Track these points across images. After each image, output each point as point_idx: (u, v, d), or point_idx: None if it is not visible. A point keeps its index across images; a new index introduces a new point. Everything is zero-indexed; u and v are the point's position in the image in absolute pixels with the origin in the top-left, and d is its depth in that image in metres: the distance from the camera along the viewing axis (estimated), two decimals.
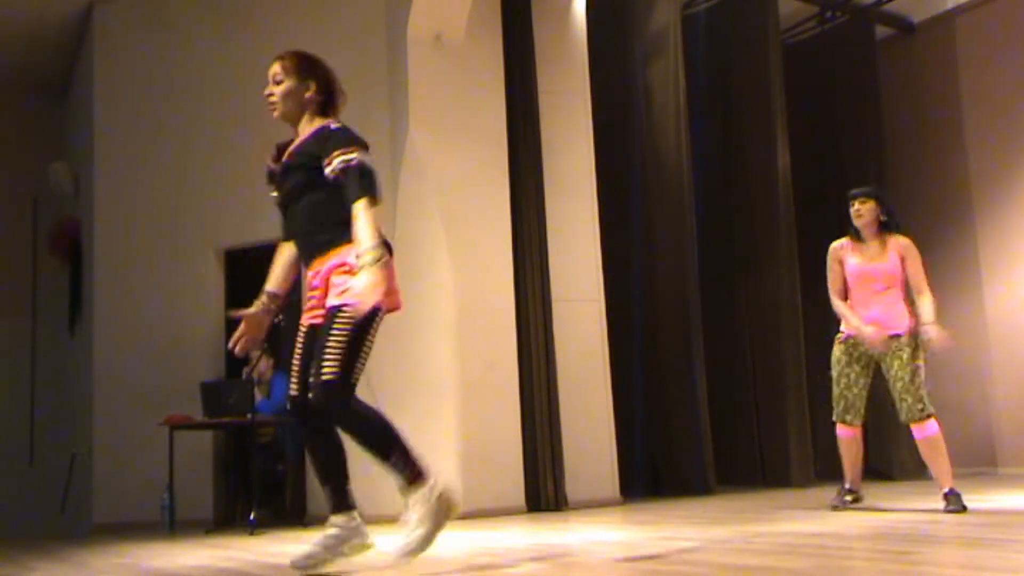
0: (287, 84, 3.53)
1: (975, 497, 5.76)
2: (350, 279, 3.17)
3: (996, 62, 8.60)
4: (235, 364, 7.31)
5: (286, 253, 3.67)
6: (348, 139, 3.37)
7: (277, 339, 7.04)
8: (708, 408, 7.54)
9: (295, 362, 3.41)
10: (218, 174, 7.46)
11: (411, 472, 3.18)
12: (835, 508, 5.28)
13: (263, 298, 3.64)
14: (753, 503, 6.25)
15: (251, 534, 5.77)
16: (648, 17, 8.02)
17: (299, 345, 3.43)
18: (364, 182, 3.28)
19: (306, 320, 3.44)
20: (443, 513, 3.19)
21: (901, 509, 5.22)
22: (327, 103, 3.57)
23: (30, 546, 6.06)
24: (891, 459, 8.23)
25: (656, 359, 7.69)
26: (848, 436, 5.26)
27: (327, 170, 3.35)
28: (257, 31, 7.48)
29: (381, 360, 6.37)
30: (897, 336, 5.05)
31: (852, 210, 5.28)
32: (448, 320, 6.24)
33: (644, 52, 8.03)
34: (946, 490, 4.90)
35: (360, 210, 3.22)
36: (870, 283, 5.16)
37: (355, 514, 3.42)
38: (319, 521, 6.40)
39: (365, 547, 3.43)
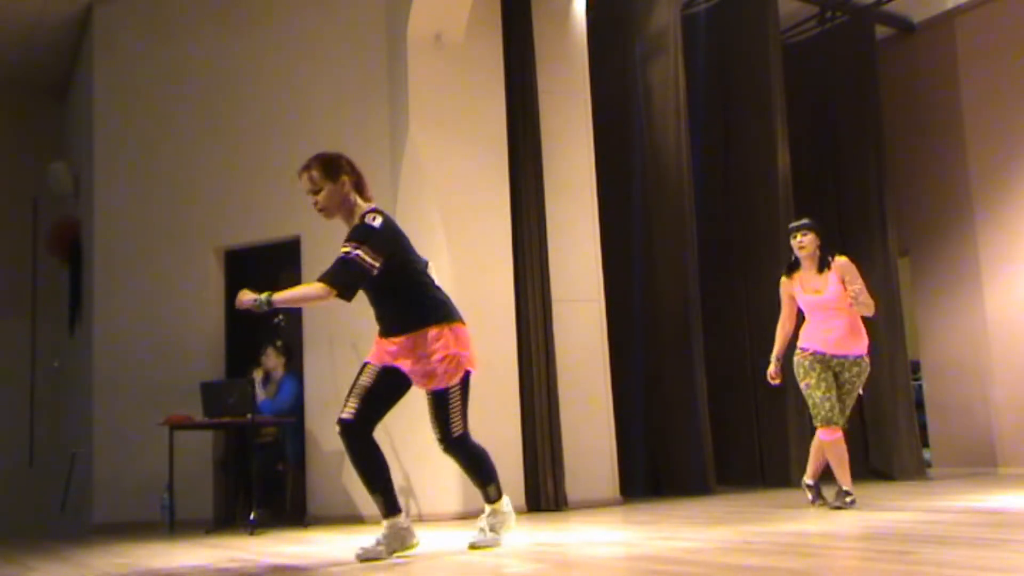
0: (326, 189, 3.97)
1: (975, 497, 5.76)
2: (442, 364, 3.89)
3: (996, 62, 8.60)
4: (235, 364, 7.32)
5: None
6: (359, 234, 3.87)
7: (287, 339, 7.06)
8: (708, 408, 7.54)
9: (359, 391, 3.90)
10: (218, 174, 7.46)
11: (497, 494, 4.12)
12: (836, 508, 5.32)
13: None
14: (753, 503, 6.25)
15: (251, 534, 5.77)
16: (648, 17, 8.02)
17: (366, 378, 3.93)
18: (337, 271, 3.81)
19: (376, 362, 3.96)
20: (507, 523, 4.15)
21: (900, 509, 5.22)
22: (359, 182, 4.05)
23: (30, 546, 6.06)
24: (891, 459, 8.23)
25: (656, 360, 7.69)
26: (836, 438, 5.37)
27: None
28: (257, 31, 7.48)
29: None
30: (859, 358, 5.44)
31: (795, 242, 5.60)
32: None
33: (644, 52, 8.03)
34: (846, 488, 5.30)
35: (311, 285, 3.85)
36: (825, 311, 5.44)
37: (403, 516, 3.98)
38: (319, 521, 6.42)
39: (414, 545, 4.00)
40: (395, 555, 3.91)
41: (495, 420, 6.29)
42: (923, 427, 8.93)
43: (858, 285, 5.33)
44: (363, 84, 6.97)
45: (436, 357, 3.87)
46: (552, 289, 6.77)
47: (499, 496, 4.13)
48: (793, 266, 5.58)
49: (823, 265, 5.47)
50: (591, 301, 7.01)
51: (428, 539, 4.38)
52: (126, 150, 7.82)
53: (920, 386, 9.37)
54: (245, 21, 7.57)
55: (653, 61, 7.95)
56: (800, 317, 5.62)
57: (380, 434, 3.96)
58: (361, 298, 4.02)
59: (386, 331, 3.98)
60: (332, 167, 3.98)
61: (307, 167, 3.99)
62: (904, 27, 9.22)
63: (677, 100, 7.77)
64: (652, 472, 7.65)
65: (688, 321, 7.59)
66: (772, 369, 5.66)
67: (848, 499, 5.33)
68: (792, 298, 5.59)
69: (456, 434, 3.94)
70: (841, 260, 5.47)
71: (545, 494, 6.41)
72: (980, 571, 2.89)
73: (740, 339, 8.16)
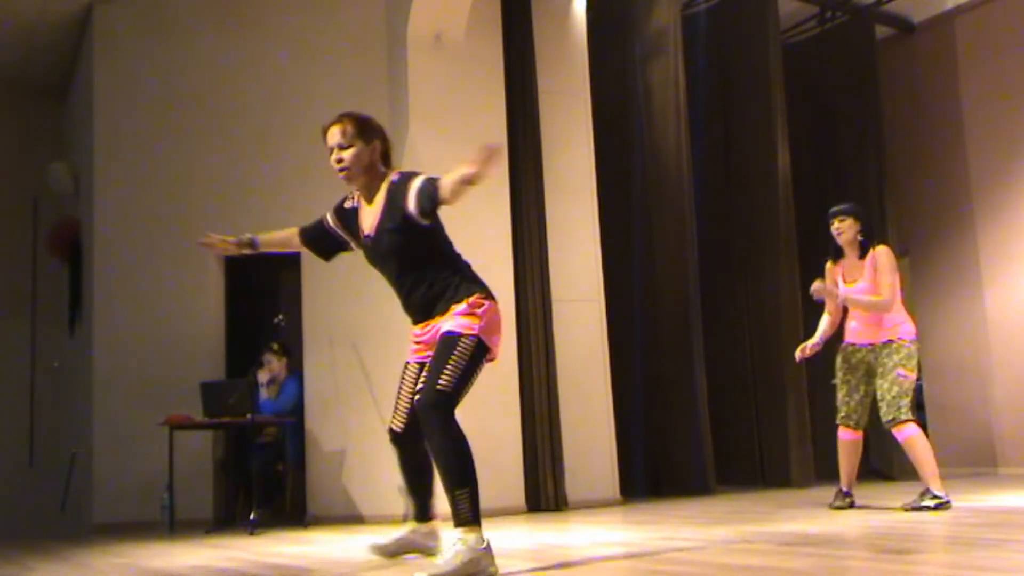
0: (356, 148, 3.63)
1: (975, 497, 5.77)
2: (463, 319, 3.44)
3: (996, 62, 8.59)
4: (235, 364, 7.31)
5: (293, 236, 4.07)
6: (410, 175, 3.60)
7: (286, 338, 7.05)
8: (708, 408, 7.54)
9: (407, 399, 3.61)
10: (219, 174, 7.46)
11: (471, 514, 3.26)
12: (837, 508, 5.34)
13: (245, 237, 4.11)
14: (753, 503, 6.25)
15: (251, 534, 5.77)
16: (648, 17, 8.02)
17: (409, 383, 3.64)
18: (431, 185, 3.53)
19: (413, 359, 3.65)
20: (477, 567, 3.21)
21: (900, 509, 5.21)
22: (388, 153, 3.75)
23: (30, 546, 6.06)
24: (892, 459, 8.23)
25: (656, 360, 7.69)
26: (849, 439, 5.38)
27: (412, 204, 3.53)
28: (258, 31, 7.48)
29: (383, 360, 6.38)
30: (889, 342, 5.22)
31: (832, 228, 5.40)
32: None
33: (644, 52, 8.03)
34: (923, 489, 5.10)
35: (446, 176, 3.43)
36: None
37: (434, 524, 3.82)
38: (319, 521, 6.42)
39: (433, 553, 3.72)
40: (404, 556, 3.83)
41: (495, 420, 6.29)
42: (923, 427, 8.91)
43: (879, 279, 5.18)
44: (363, 84, 6.97)
45: (461, 309, 3.48)
46: (552, 289, 6.77)
47: (474, 521, 3.25)
48: (839, 252, 5.41)
49: (864, 252, 5.29)
50: (591, 301, 7.01)
51: None
52: (126, 150, 7.80)
53: (920, 386, 9.37)
54: (245, 21, 7.56)
55: (653, 61, 7.95)
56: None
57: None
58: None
59: (425, 314, 3.57)
60: (368, 127, 3.67)
61: (340, 121, 3.64)
62: (904, 27, 9.22)
63: (677, 100, 7.77)
64: (652, 472, 7.65)
65: (688, 321, 7.59)
66: (805, 344, 5.44)
67: (847, 499, 5.36)
68: (836, 284, 5.42)
69: (441, 388, 3.30)
70: (879, 248, 5.29)
71: (545, 494, 6.41)
72: (980, 571, 2.89)
73: (740, 339, 8.16)
